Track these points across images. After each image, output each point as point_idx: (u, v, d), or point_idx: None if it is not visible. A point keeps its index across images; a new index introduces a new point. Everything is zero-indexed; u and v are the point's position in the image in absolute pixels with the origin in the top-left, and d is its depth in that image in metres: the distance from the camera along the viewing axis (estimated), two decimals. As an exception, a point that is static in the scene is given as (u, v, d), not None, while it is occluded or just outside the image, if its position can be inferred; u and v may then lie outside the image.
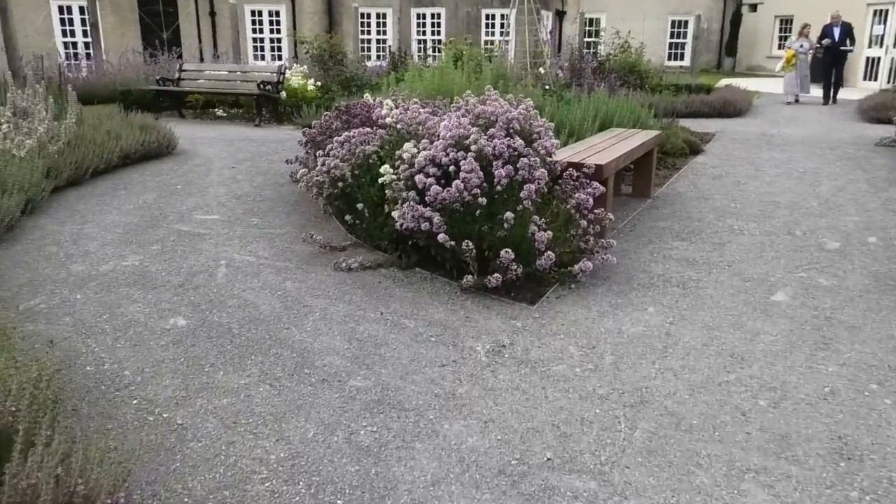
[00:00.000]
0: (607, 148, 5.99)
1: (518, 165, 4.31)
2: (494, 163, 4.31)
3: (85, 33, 21.30)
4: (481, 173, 4.28)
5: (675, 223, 5.92)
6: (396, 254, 4.78)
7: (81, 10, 20.81)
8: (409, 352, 3.45)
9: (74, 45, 21.42)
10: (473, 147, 4.40)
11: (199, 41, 21.43)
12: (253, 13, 22.19)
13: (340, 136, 5.13)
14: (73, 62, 19.21)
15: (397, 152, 4.71)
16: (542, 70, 14.86)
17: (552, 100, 9.21)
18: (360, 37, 22.28)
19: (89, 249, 5.07)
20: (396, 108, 5.22)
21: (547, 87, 10.59)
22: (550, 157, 4.66)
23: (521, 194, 4.21)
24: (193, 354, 3.42)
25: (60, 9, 21.09)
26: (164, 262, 4.81)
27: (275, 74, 12.19)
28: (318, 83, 12.70)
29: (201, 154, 8.98)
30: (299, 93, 12.39)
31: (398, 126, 5.01)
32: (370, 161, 5.04)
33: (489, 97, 4.94)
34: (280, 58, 22.57)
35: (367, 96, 6.84)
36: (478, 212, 4.28)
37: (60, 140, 7.06)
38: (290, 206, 6.37)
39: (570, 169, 4.70)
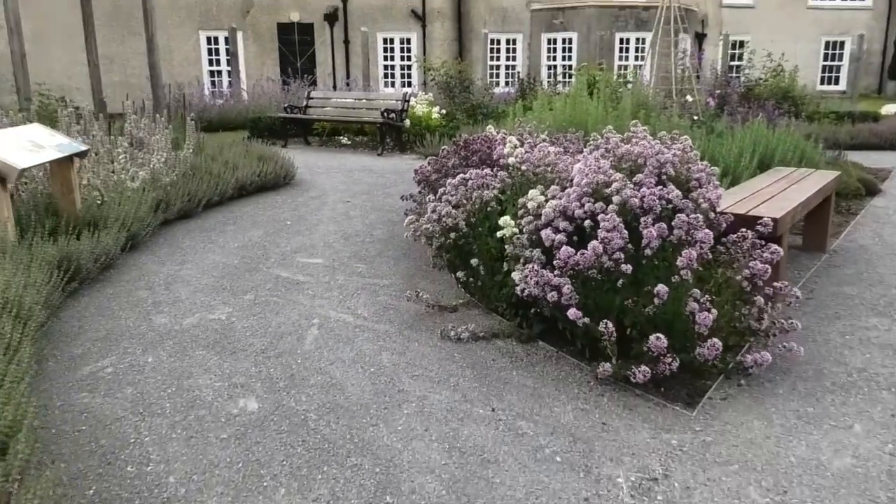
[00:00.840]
0: (777, 195, 4.88)
1: (674, 223, 3.36)
2: (643, 219, 3.38)
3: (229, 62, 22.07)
4: (625, 232, 3.36)
5: (866, 290, 4.69)
6: (516, 321, 3.92)
7: (226, 40, 21.59)
8: (526, 478, 2.57)
9: (219, 73, 22.24)
10: (616, 198, 3.49)
11: (333, 68, 21.65)
12: (385, 41, 22.20)
13: (456, 176, 4.35)
14: (216, 90, 19.84)
15: (520, 200, 3.87)
16: (689, 98, 13.60)
17: (700, 132, 8.08)
18: (489, 63, 21.75)
19: (180, 296, 4.57)
20: (521, 144, 4.39)
21: (696, 117, 9.43)
22: (714, 211, 3.66)
23: (679, 262, 3.25)
24: (255, 458, 2.71)
25: (208, 39, 21.97)
26: (252, 318, 4.21)
27: (399, 102, 11.73)
28: (444, 111, 12.13)
29: (318, 185, 8.54)
30: (423, 120, 11.86)
31: (522, 167, 4.18)
32: (488, 209, 4.23)
33: (635, 134, 4.02)
34: (410, 84, 22.43)
35: (490, 129, 6.06)
36: (620, 281, 3.36)
37: (174, 171, 6.77)
38: (401, 250, 5.68)
39: (741, 227, 3.67)
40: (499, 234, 3.85)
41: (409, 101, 11.70)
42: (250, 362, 3.58)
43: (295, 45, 21.80)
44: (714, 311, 3.21)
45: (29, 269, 4.03)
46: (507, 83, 21.84)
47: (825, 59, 23.51)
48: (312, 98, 12.94)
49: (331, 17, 21.66)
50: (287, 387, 3.30)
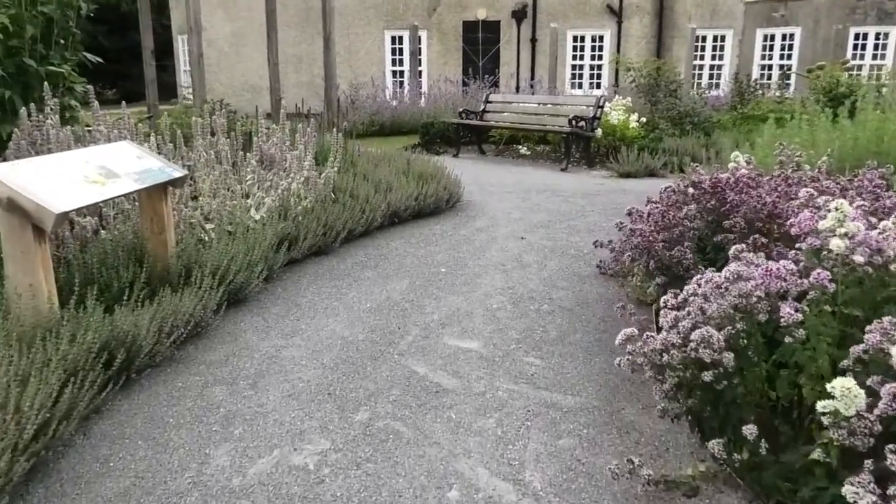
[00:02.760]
0: None
1: None
2: None
3: (419, 61, 21.12)
4: None
5: None
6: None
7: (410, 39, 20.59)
8: None
9: (402, 73, 21.35)
10: None
11: (517, 68, 19.97)
12: (575, 38, 20.13)
13: (708, 273, 2.39)
14: (398, 90, 18.85)
15: (868, 335, 1.87)
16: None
17: None
18: (693, 62, 18.96)
19: (265, 405, 3.03)
20: (843, 216, 2.32)
21: None
22: None
23: None
24: None
25: (393, 38, 21.14)
26: (354, 473, 2.55)
27: (591, 108, 9.73)
28: (643, 119, 9.97)
29: (487, 211, 6.83)
30: (618, 130, 9.79)
31: (858, 259, 2.14)
32: (783, 338, 2.24)
33: None
34: (598, 86, 20.21)
35: (739, 159, 3.97)
36: None
37: (308, 197, 5.36)
38: (593, 330, 3.80)
39: None
40: (821, 406, 1.86)
41: (602, 107, 9.67)
42: None
43: (479, 44, 20.37)
44: None
45: (40, 373, 2.65)
46: (709, 85, 18.95)
47: None
48: (490, 102, 11.29)
49: (519, 14, 19.97)
50: None
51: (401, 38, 21.02)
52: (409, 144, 11.72)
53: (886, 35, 18.34)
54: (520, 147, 11.25)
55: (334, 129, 6.59)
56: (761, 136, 5.46)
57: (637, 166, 8.82)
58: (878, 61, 18.15)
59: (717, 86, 18.74)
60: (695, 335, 2.12)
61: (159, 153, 5.07)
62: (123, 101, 5.74)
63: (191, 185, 5.04)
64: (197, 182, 5.09)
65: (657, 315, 4.05)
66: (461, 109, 11.18)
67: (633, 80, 10.74)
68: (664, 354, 2.21)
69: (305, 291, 4.48)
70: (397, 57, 21.29)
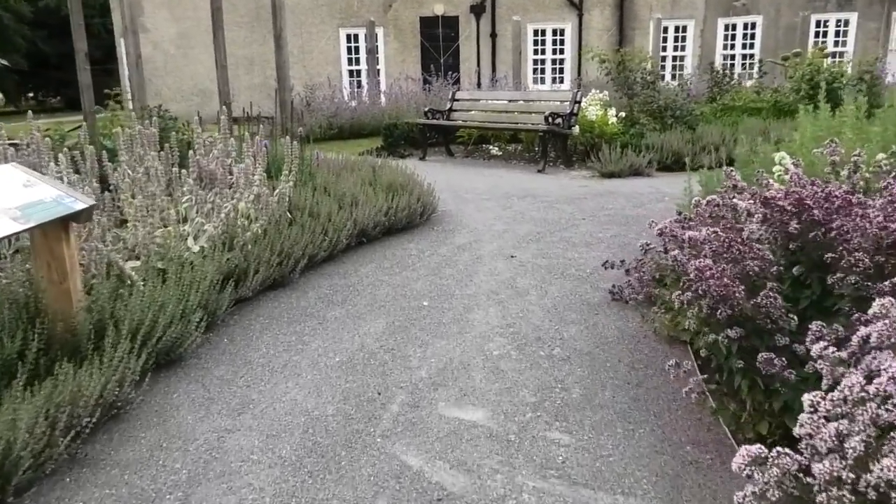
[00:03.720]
0: None
1: None
2: None
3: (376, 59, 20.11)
4: None
5: None
6: None
7: (366, 37, 19.54)
8: None
9: (359, 73, 20.31)
10: None
11: (478, 64, 19.12)
12: (535, 32, 19.36)
13: (884, 356, 1.56)
14: (355, 90, 17.83)
15: None
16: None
17: None
18: (648, 57, 18.34)
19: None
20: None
21: None
22: None
23: None
24: None
25: (348, 36, 20.09)
26: None
27: (567, 104, 8.93)
28: (622, 114, 9.22)
29: (467, 223, 5.96)
30: (597, 126, 9.00)
31: None
32: None
33: None
34: (561, 80, 19.50)
35: (787, 162, 3.16)
36: None
37: (259, 220, 4.41)
38: (627, 389, 2.95)
39: None
40: None
41: (579, 103, 8.87)
42: None
43: (438, 41, 19.47)
44: None
45: None
46: (672, 76, 18.37)
47: None
48: (457, 100, 10.41)
49: (477, 9, 19.12)
50: None
51: (356, 35, 20.00)
52: (372, 147, 10.77)
53: (847, 22, 18.00)
54: (490, 147, 10.41)
55: (288, 136, 5.64)
56: (795, 131, 4.64)
57: (621, 165, 8.05)
58: (840, 48, 17.79)
59: (675, 76, 18.15)
60: (886, 468, 1.27)
61: (76, 173, 4.08)
62: (30, 112, 4.71)
63: (114, 213, 4.05)
64: (123, 207, 4.10)
65: (697, 357, 3.25)
66: (427, 108, 10.28)
67: (609, 73, 9.97)
68: (824, 493, 1.36)
69: (258, 342, 3.55)
70: (353, 56, 20.26)
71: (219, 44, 11.92)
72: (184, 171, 4.37)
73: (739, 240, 2.41)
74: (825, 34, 17.98)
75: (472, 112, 10.21)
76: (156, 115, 6.57)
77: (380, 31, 19.60)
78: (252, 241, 4.19)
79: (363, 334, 3.62)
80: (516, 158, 9.87)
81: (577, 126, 8.91)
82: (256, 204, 4.52)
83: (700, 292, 2.32)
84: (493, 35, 19.22)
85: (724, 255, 2.40)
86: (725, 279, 2.15)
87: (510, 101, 10.03)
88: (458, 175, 8.59)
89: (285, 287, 4.34)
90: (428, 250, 5.15)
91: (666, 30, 18.83)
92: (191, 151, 4.50)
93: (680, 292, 2.56)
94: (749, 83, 11.69)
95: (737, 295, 2.13)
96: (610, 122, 8.96)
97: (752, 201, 2.69)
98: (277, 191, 4.72)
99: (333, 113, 12.14)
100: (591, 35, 19.13)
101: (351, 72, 20.12)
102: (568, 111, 8.76)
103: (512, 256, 4.96)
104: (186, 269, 3.57)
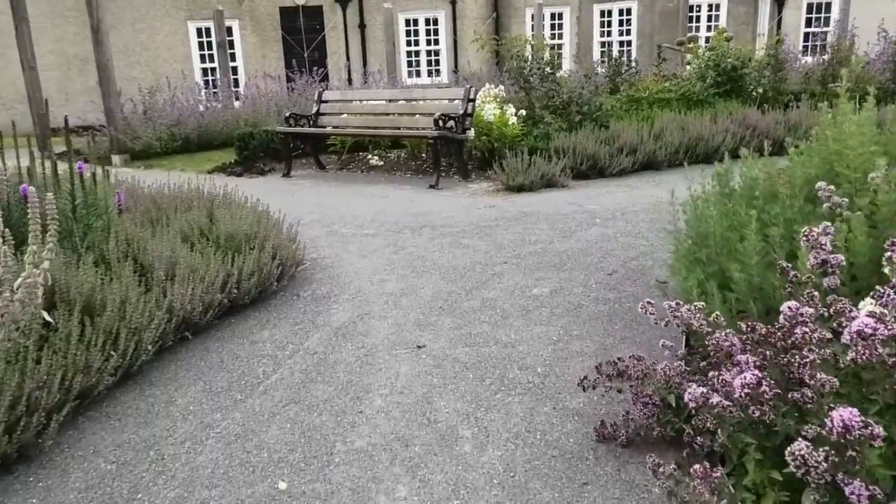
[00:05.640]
0: None
1: None
2: None
3: (232, 56, 17.57)
4: None
5: None
6: None
7: (227, 30, 16.90)
8: None
9: (213, 70, 17.71)
10: None
11: (348, 58, 17.11)
12: (407, 22, 17.59)
13: None
14: (213, 92, 15.33)
15: None
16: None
17: None
18: (531, 42, 17.12)
19: None
20: None
21: None
22: None
23: None
24: None
25: (199, 31, 17.42)
26: None
27: (458, 102, 7.25)
28: (522, 112, 7.66)
29: (347, 280, 4.12)
30: (495, 128, 7.39)
31: None
32: None
33: None
34: (438, 73, 17.89)
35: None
36: None
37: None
38: None
39: None
40: None
41: (473, 101, 7.21)
42: None
43: (301, 33, 17.26)
44: None
45: None
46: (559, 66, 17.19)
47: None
48: (326, 101, 8.48)
49: (342, -2, 17.10)
50: None
51: (209, 29, 17.37)
52: (225, 162, 8.66)
53: (718, 6, 17.54)
54: (369, 156, 8.57)
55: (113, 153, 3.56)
56: (801, 141, 3.11)
57: (531, 176, 6.48)
58: (712, 33, 17.26)
59: (560, 66, 17.05)
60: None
61: None
62: None
63: None
64: None
65: None
66: (288, 113, 8.27)
67: (498, 63, 8.37)
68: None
69: None
70: (207, 52, 17.62)
71: (23, 40, 9.35)
72: None
73: None
74: (699, 18, 17.43)
75: (345, 115, 8.32)
76: None
77: (235, 24, 17.15)
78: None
79: None
80: (401, 169, 8.10)
81: (472, 129, 7.26)
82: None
83: None
84: (362, 26, 17.27)
85: None
86: None
87: (390, 100, 8.22)
88: (332, 197, 6.70)
89: (30, 461, 2.36)
90: (290, 343, 3.29)
91: (542, 17, 17.62)
92: None
93: None
94: (650, 71, 10.51)
95: None
96: (510, 123, 7.37)
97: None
98: (21, 280, 2.69)
99: (176, 120, 9.82)
100: (467, 24, 17.61)
101: (206, 70, 17.51)
102: (461, 112, 7.08)
103: (419, 347, 3.20)
104: None
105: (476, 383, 2.83)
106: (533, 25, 15.60)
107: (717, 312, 2.23)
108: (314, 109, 8.37)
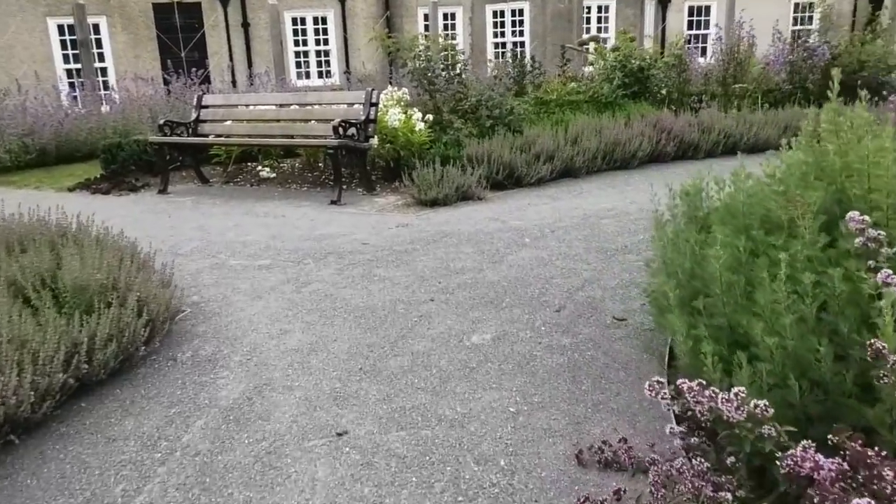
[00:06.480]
0: None
1: None
2: None
3: (101, 56, 15.77)
4: None
5: None
6: None
7: (94, 28, 15.09)
8: None
9: (79, 72, 15.84)
10: None
11: (231, 59, 15.77)
12: (294, 21, 16.46)
13: None
14: (75, 94, 13.56)
15: None
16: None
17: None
18: (423, 43, 16.50)
19: None
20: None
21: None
22: None
23: None
24: None
25: (60, 28, 15.50)
26: None
27: (360, 107, 6.44)
28: (429, 116, 6.95)
29: (236, 333, 3.24)
30: (401, 135, 6.64)
31: None
32: None
33: None
34: (328, 74, 16.89)
35: None
36: None
37: None
38: None
39: None
40: None
41: (376, 105, 6.41)
42: None
43: (178, 32, 15.74)
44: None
45: None
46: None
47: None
48: (207, 107, 7.40)
49: (222, -6, 15.74)
50: None
51: (72, 27, 15.51)
52: (90, 177, 7.40)
53: (607, 8, 17.61)
54: (259, 167, 7.58)
55: None
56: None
57: (446, 189, 5.78)
58: (603, 34, 17.32)
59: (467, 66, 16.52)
60: None
61: None
62: None
63: None
64: None
65: None
66: (163, 121, 7.14)
67: (404, 64, 7.63)
68: None
69: None
70: (71, 52, 15.71)
71: None
72: None
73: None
74: (589, 20, 17.41)
75: (229, 122, 7.30)
76: None
77: (102, 21, 15.42)
78: None
79: None
80: (297, 181, 7.18)
81: (375, 136, 6.47)
82: None
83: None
84: (246, 24, 15.98)
85: None
86: None
87: (281, 105, 7.27)
88: (217, 218, 5.72)
89: None
90: (162, 439, 2.41)
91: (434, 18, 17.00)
92: None
93: None
94: (554, 72, 10.10)
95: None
96: (417, 129, 6.65)
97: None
98: None
99: (28, 129, 8.38)
100: (358, 23, 16.73)
101: (70, 72, 15.60)
102: (363, 117, 6.28)
103: (339, 434, 2.41)
104: None
105: (423, 492, 2.08)
106: (427, 25, 14.97)
107: (764, 403, 1.61)
108: (193, 116, 7.28)
